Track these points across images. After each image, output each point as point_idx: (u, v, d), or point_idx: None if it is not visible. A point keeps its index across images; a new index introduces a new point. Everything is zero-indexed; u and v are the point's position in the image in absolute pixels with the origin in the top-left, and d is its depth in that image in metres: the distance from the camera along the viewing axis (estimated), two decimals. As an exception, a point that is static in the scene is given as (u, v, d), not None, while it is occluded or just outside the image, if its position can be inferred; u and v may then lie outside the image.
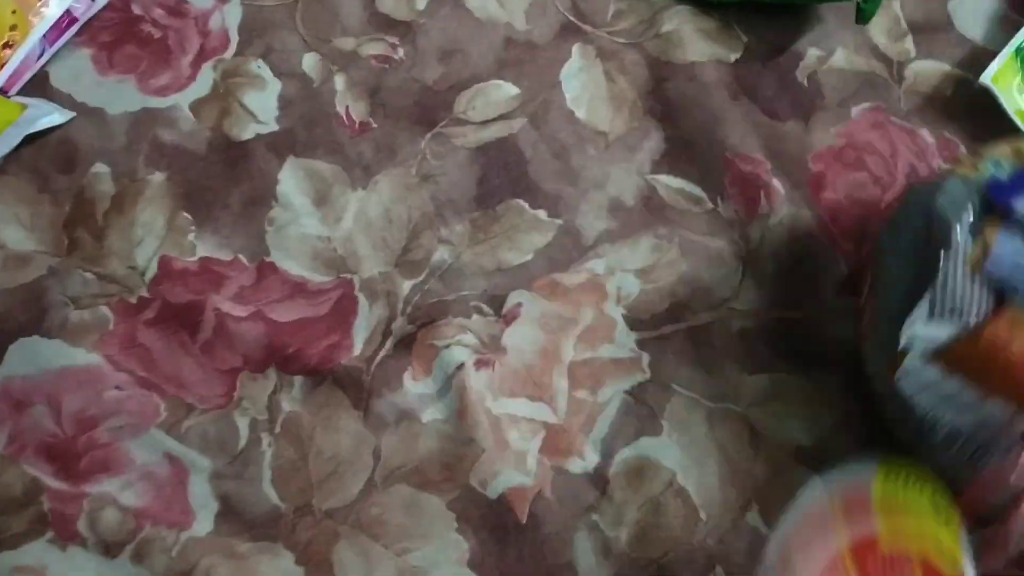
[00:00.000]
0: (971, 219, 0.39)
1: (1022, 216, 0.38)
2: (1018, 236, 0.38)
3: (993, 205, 0.39)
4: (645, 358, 0.53)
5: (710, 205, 0.57)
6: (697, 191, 0.58)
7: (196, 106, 0.57)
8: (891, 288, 0.42)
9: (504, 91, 0.60)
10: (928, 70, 0.62)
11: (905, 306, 0.39)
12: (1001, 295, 0.38)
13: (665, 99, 0.60)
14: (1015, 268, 0.37)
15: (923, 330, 0.38)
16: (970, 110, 0.60)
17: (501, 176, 0.57)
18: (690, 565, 0.49)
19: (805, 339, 0.54)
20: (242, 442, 0.50)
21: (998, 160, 0.42)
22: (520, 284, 0.55)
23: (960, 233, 0.39)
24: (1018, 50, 0.59)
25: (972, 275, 0.38)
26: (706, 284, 0.55)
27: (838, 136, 0.59)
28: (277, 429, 0.50)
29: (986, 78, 0.58)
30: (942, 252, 0.39)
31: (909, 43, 0.63)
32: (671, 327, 0.54)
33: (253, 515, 0.48)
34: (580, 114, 0.60)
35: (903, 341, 0.38)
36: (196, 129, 0.57)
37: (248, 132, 0.57)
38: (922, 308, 0.38)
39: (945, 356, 0.38)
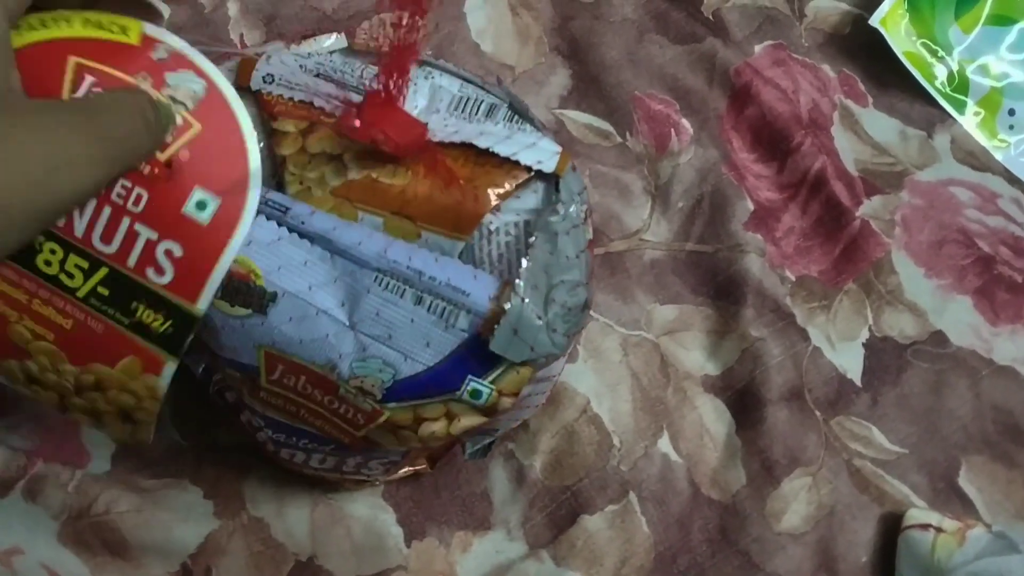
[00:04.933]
0: None
1: None
2: None
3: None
4: (558, 288, 0.56)
5: (619, 139, 0.61)
6: (606, 126, 0.61)
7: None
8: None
9: (408, 22, 0.61)
10: (827, 8, 0.67)
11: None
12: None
13: (571, 37, 0.63)
14: None
15: None
16: (867, 48, 0.65)
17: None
18: (603, 491, 0.52)
19: (713, 273, 0.58)
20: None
21: None
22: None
23: None
24: (905, -6, 0.65)
25: None
26: (618, 215, 0.59)
27: (743, 74, 0.63)
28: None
29: (875, 20, 0.64)
30: None
31: (809, -19, 0.68)
32: (588, 253, 0.57)
33: (153, 452, 0.49)
34: (486, 47, 0.62)
35: None
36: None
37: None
38: None
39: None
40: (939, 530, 0.51)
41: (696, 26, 0.64)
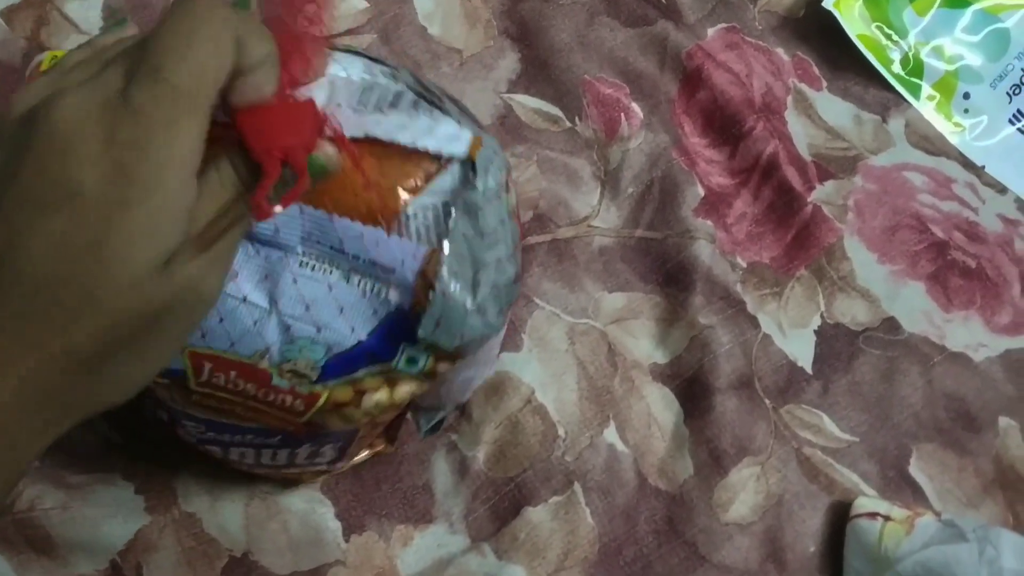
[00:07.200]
0: None
1: None
2: None
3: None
4: (504, 277, 0.55)
5: (568, 124, 0.60)
6: (555, 110, 0.60)
7: (8, 13, 0.56)
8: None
9: (351, 4, 0.60)
10: (781, -9, 0.66)
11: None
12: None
13: (520, 20, 0.62)
14: None
15: None
16: (821, 32, 0.65)
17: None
18: (548, 482, 0.51)
19: (662, 260, 0.57)
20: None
21: None
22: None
23: None
24: (858, -25, 0.64)
25: None
26: (566, 200, 0.58)
27: (695, 57, 0.62)
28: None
29: (828, 3, 0.63)
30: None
31: (763, -36, 0.67)
32: (536, 238, 0.56)
33: (84, 448, 0.48)
34: (433, 30, 0.61)
35: None
36: (9, 39, 0.55)
37: (69, 43, 0.56)
38: None
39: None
40: (887, 519, 0.50)
41: (648, 8, 0.63)
